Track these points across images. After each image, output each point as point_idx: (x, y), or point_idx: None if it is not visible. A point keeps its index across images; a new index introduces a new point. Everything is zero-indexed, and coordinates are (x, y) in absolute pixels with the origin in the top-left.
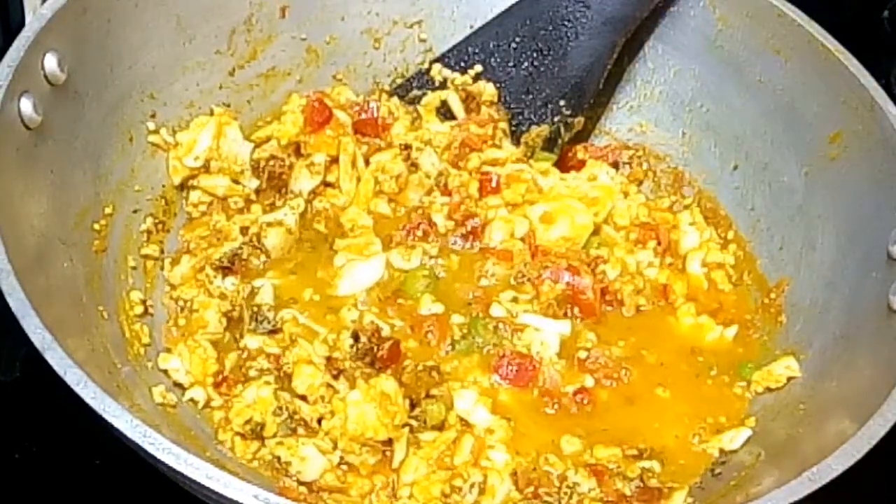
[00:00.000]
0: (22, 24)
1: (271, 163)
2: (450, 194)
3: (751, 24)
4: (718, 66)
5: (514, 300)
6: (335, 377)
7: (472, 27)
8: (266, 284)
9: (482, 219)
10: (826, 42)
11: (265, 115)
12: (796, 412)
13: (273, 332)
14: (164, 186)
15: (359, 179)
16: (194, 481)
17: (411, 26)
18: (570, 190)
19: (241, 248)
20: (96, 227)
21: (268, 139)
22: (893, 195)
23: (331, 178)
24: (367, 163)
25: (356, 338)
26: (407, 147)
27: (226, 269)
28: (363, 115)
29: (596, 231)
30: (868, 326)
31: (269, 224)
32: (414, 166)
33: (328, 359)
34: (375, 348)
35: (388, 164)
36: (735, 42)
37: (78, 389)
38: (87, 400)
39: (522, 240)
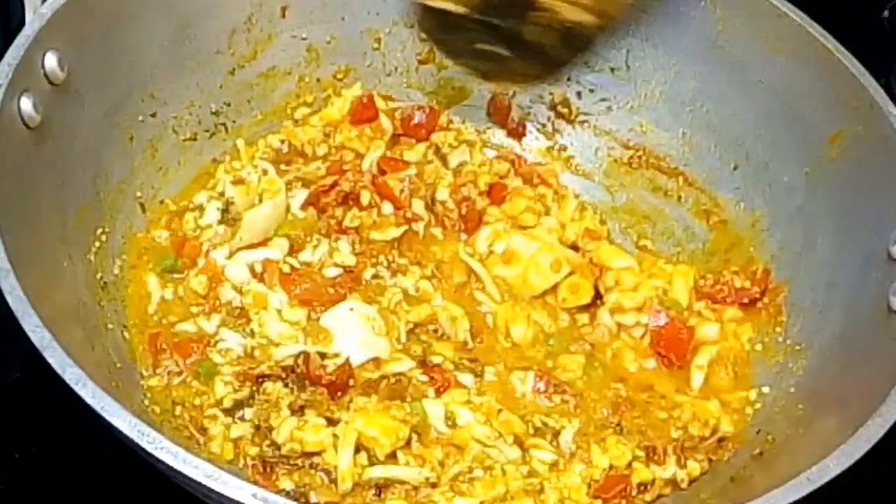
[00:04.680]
0: (22, 24)
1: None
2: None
3: (751, 24)
4: (718, 67)
5: None
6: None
7: None
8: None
9: (481, 212)
10: (826, 42)
11: (264, 112)
12: (796, 412)
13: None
14: None
15: None
16: (194, 480)
17: (411, 26)
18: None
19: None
20: (96, 227)
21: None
22: (893, 195)
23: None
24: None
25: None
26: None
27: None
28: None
29: None
30: (868, 326)
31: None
32: (442, 159)
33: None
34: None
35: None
36: (735, 42)
37: (77, 389)
38: (87, 399)
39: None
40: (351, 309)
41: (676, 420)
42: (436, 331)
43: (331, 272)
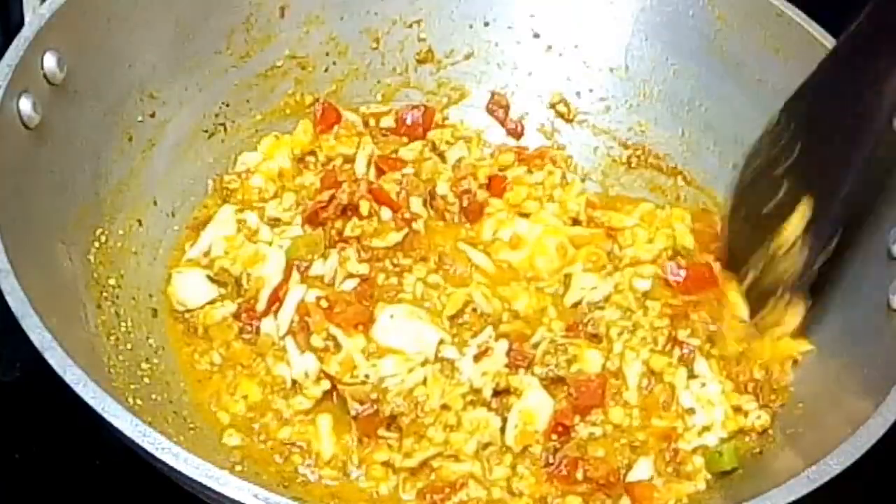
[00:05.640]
0: (21, 24)
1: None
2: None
3: (750, 24)
4: (718, 66)
5: None
6: None
7: (471, 27)
8: None
9: (482, 204)
10: (826, 42)
11: (263, 113)
12: (796, 411)
13: None
14: None
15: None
16: (194, 480)
17: (410, 25)
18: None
19: None
20: (96, 227)
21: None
22: (893, 195)
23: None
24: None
25: None
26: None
27: None
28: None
29: None
30: (868, 326)
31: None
32: (440, 156)
33: None
34: None
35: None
36: (734, 41)
37: (78, 389)
38: (87, 400)
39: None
40: (392, 316)
41: (756, 358)
42: (474, 310)
43: (348, 285)
